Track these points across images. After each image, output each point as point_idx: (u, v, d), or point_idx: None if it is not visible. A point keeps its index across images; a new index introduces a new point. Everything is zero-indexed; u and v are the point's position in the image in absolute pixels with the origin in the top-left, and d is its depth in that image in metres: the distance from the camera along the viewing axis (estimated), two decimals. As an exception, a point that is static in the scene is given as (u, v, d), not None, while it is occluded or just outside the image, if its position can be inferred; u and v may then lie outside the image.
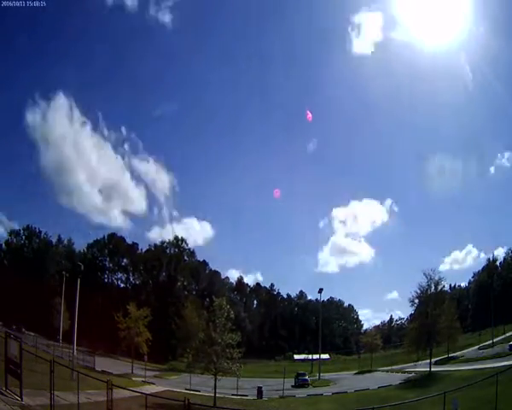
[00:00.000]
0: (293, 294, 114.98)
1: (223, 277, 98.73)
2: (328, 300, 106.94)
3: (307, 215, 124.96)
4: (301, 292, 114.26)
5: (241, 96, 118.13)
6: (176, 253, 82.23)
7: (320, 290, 57.97)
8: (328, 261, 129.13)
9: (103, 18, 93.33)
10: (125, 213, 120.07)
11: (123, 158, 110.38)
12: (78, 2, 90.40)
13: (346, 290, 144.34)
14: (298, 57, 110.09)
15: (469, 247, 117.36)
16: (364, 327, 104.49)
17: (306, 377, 40.73)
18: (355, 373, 52.34)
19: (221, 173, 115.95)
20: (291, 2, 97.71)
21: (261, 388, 31.09)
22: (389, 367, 51.21)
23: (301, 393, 33.59)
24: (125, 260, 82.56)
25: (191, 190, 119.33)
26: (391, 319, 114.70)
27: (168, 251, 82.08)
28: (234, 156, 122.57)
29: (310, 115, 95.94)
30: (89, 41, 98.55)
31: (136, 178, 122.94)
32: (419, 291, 36.69)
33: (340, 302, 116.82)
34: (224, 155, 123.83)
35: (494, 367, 23.34)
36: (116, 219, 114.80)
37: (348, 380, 43.37)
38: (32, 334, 41.12)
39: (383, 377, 39.09)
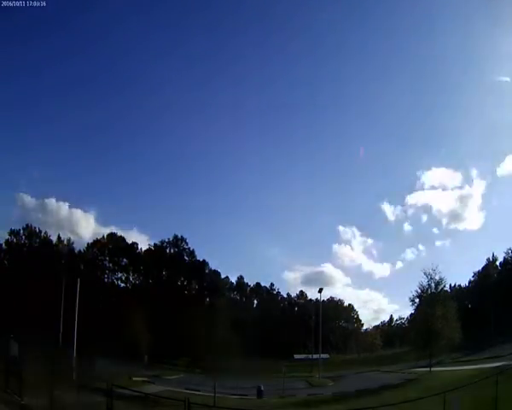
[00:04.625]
0: (293, 294, 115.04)
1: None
2: (328, 299, 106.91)
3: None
4: (301, 292, 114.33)
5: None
6: (176, 252, 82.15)
7: (320, 290, 58.03)
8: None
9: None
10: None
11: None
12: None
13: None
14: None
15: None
16: (364, 327, 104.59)
17: None
18: (355, 373, 52.37)
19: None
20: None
21: (261, 387, 31.10)
22: (388, 367, 51.23)
23: (301, 393, 33.62)
24: (124, 260, 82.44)
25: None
26: (391, 318, 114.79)
27: (168, 251, 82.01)
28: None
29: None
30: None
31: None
32: (419, 290, 36.77)
33: (340, 302, 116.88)
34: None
35: (494, 367, 23.31)
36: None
37: (347, 380, 43.40)
38: (32, 334, 41.04)
39: (382, 377, 39.11)
